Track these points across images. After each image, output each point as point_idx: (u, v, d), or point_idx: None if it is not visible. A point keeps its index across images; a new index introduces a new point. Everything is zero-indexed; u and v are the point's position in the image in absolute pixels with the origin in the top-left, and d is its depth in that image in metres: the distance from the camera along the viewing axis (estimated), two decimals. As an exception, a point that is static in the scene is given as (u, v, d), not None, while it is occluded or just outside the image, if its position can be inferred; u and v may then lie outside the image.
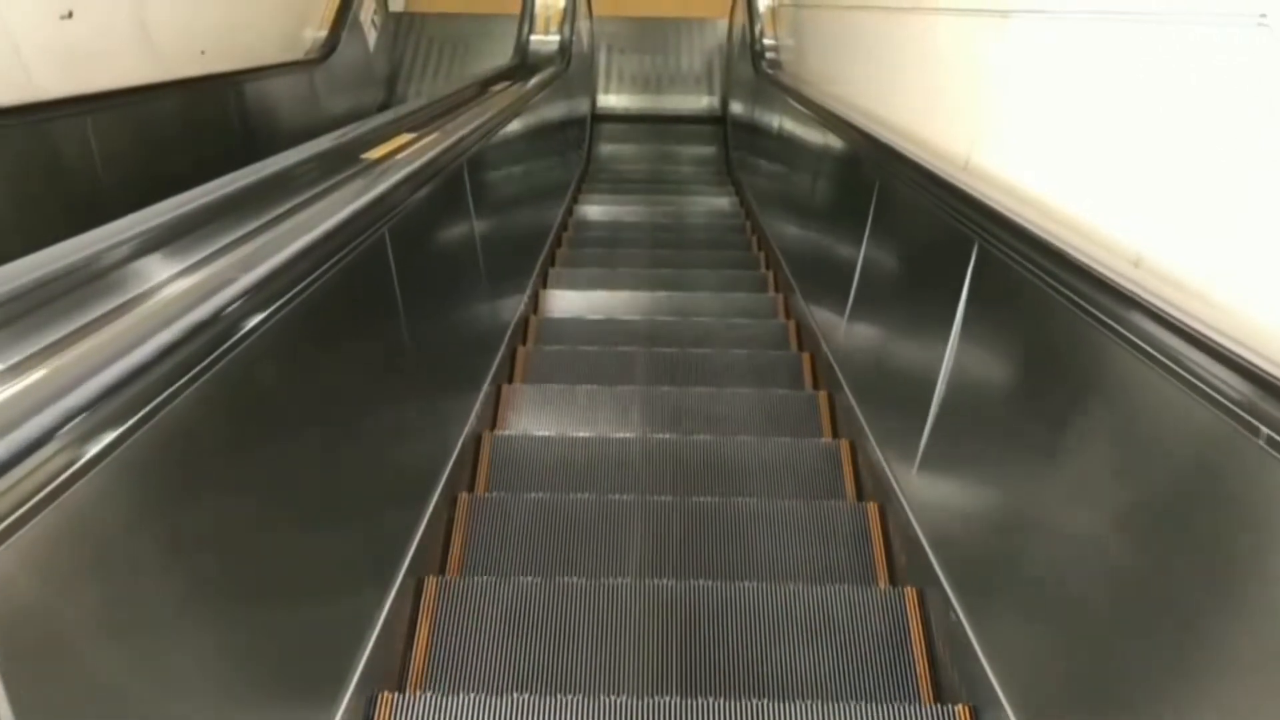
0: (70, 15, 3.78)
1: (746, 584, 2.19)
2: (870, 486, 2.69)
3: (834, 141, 3.83)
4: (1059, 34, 2.13)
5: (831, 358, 3.33)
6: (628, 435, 3.01)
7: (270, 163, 1.87)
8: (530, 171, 5.01)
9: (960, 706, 1.81)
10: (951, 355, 2.08)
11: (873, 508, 2.55)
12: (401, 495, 2.19)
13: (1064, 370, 1.65)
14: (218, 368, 1.20)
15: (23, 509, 0.84)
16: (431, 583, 2.15)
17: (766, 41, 6.75)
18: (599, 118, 9.00)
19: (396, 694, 1.81)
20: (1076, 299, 1.52)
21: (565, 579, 2.19)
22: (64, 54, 3.78)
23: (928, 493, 2.23)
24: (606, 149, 8.94)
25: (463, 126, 2.95)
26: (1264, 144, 1.40)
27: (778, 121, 5.60)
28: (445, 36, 9.07)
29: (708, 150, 8.89)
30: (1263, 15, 1.39)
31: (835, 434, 3.16)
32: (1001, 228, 1.88)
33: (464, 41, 9.00)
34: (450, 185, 2.76)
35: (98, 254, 1.22)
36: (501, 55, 7.18)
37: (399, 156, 2.31)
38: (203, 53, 4.93)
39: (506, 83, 5.05)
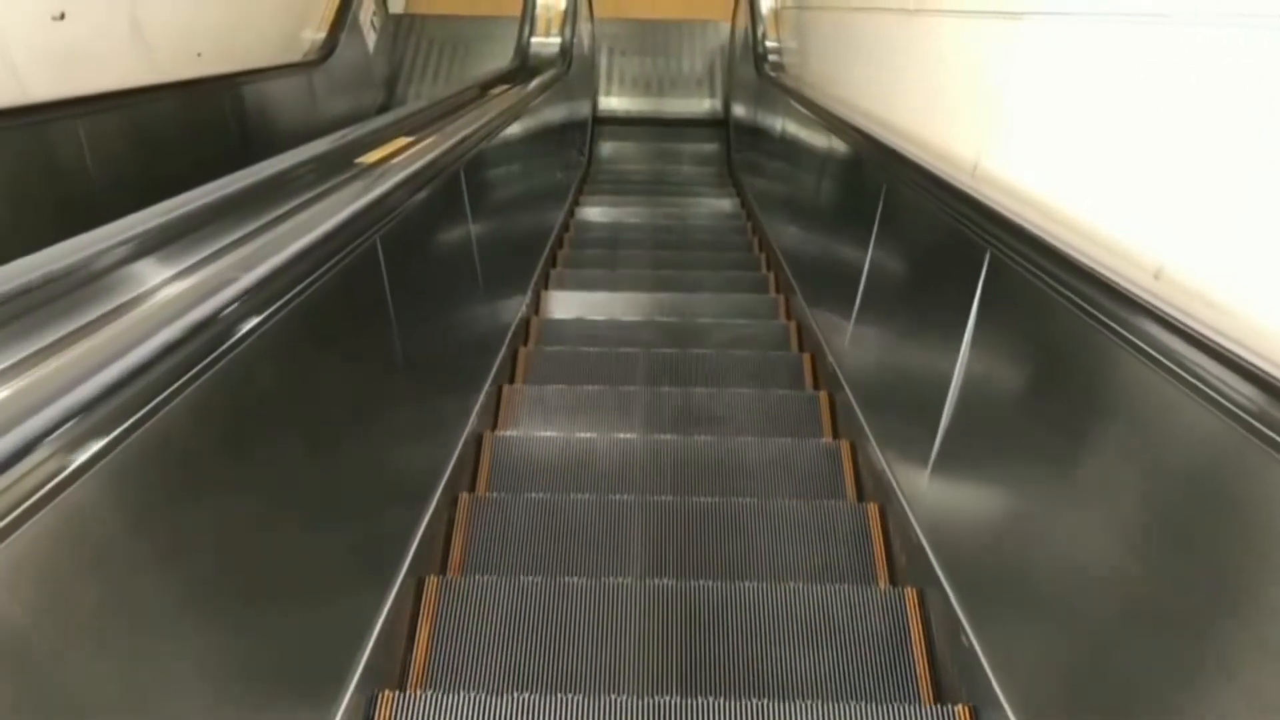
0: (62, 17, 3.73)
1: (747, 584, 2.19)
2: (871, 487, 2.69)
3: (838, 145, 3.82)
4: (1076, 36, 2.06)
5: (833, 359, 3.33)
6: (629, 436, 3.01)
7: (260, 168, 1.85)
8: (530, 174, 5.01)
9: (960, 707, 1.81)
10: (963, 364, 2.05)
11: (873, 508, 2.55)
12: (402, 496, 2.19)
13: (1078, 381, 1.61)
14: (216, 370, 1.20)
15: (17, 511, 0.85)
16: (432, 582, 2.15)
17: (769, 44, 6.76)
18: (600, 120, 9.01)
19: (397, 693, 1.81)
20: (1096, 312, 1.48)
21: (566, 579, 2.19)
22: (55, 56, 3.72)
23: (930, 495, 2.22)
24: (608, 152, 8.95)
25: (459, 131, 2.93)
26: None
27: (780, 124, 5.60)
28: (445, 38, 9.07)
29: (710, 153, 8.89)
30: None
31: (836, 434, 3.16)
32: (1016, 238, 1.83)
33: (464, 43, 9.00)
34: (447, 189, 2.75)
35: (71, 265, 1.20)
36: (502, 57, 7.18)
37: (394, 161, 2.28)
38: (199, 55, 4.90)
39: (506, 85, 5.05)
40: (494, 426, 3.15)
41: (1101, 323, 1.46)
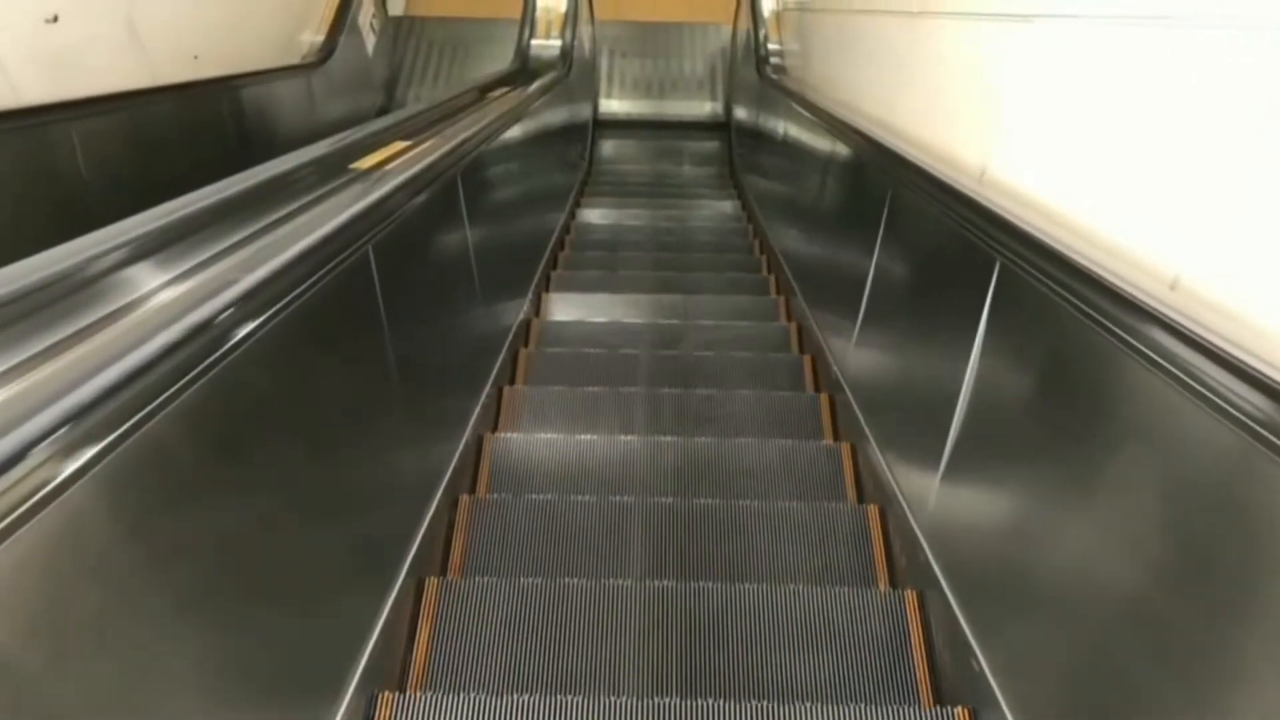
0: (55, 19, 3.67)
1: (747, 585, 2.19)
2: (871, 489, 2.69)
3: (841, 149, 3.81)
4: (1090, 39, 2.00)
5: (834, 362, 3.33)
6: (629, 437, 3.01)
7: (251, 174, 1.82)
8: (530, 178, 5.00)
9: (960, 709, 1.81)
10: (973, 372, 2.02)
11: (873, 510, 2.55)
12: (402, 498, 2.19)
13: (1090, 393, 1.57)
14: (214, 375, 1.20)
15: (14, 515, 0.85)
16: (432, 583, 2.15)
17: (771, 46, 6.76)
18: (601, 123, 9.00)
19: (397, 694, 1.81)
20: (1109, 324, 1.43)
21: (566, 580, 2.19)
22: (49, 59, 3.67)
23: (934, 499, 2.21)
24: (609, 154, 8.95)
25: (455, 137, 2.91)
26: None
27: (782, 127, 5.60)
28: (445, 40, 9.07)
29: (711, 156, 8.89)
30: None
31: (836, 436, 3.16)
32: (1029, 248, 1.78)
33: (464, 45, 9.00)
34: (443, 194, 2.74)
35: (55, 274, 1.18)
36: (502, 59, 7.18)
37: (389, 167, 2.26)
38: (196, 57, 4.85)
39: (506, 88, 5.04)
40: (494, 428, 3.15)
41: (1116, 335, 1.41)
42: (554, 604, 2.13)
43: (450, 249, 2.87)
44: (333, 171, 2.13)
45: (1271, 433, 1.06)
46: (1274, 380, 1.08)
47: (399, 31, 9.01)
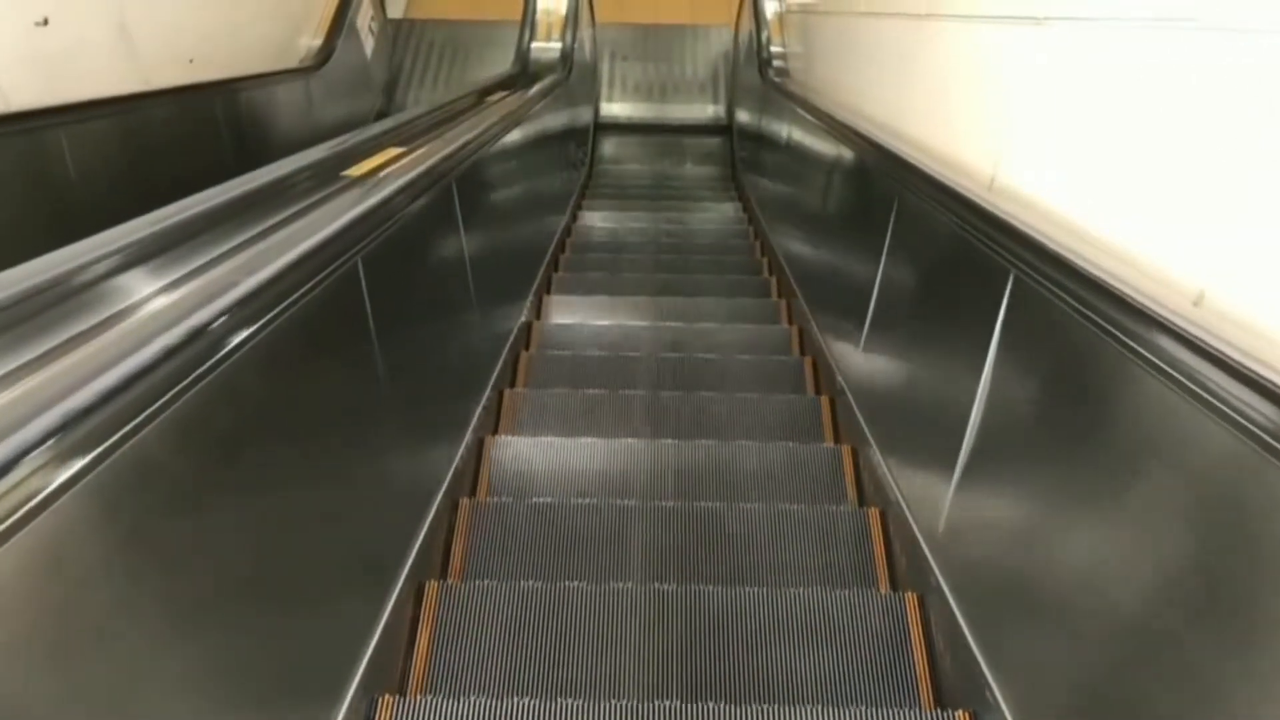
0: (46, 22, 3.61)
1: (748, 588, 2.19)
2: (871, 492, 2.69)
3: (846, 153, 3.77)
4: (1109, 42, 1.93)
5: (836, 366, 3.33)
6: (630, 440, 3.01)
7: (238, 183, 1.79)
8: (529, 182, 4.99)
9: (960, 712, 1.81)
10: (986, 383, 1.97)
11: (874, 513, 2.54)
12: (402, 502, 2.19)
13: (1107, 410, 1.54)
14: (209, 382, 1.20)
15: (9, 521, 0.85)
16: (433, 587, 2.15)
17: (773, 49, 6.74)
18: (602, 127, 8.99)
19: (397, 697, 1.81)
20: (1132, 342, 1.39)
21: (567, 583, 2.19)
22: (39, 63, 3.61)
23: (935, 503, 2.20)
24: (609, 157, 8.94)
25: (450, 143, 2.87)
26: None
27: (785, 130, 5.58)
28: (445, 43, 9.06)
29: (712, 159, 8.88)
30: None
31: (837, 439, 3.15)
32: (1044, 260, 1.74)
33: (464, 48, 8.99)
34: (438, 201, 2.71)
35: (43, 282, 1.18)
36: (502, 62, 7.17)
37: (382, 175, 2.23)
38: (190, 61, 4.80)
39: (506, 92, 5.03)
40: (495, 431, 3.14)
41: (1138, 354, 1.37)
42: (555, 607, 2.12)
43: (444, 256, 2.85)
44: (324, 180, 2.10)
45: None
46: None
47: (398, 34, 9.00)
